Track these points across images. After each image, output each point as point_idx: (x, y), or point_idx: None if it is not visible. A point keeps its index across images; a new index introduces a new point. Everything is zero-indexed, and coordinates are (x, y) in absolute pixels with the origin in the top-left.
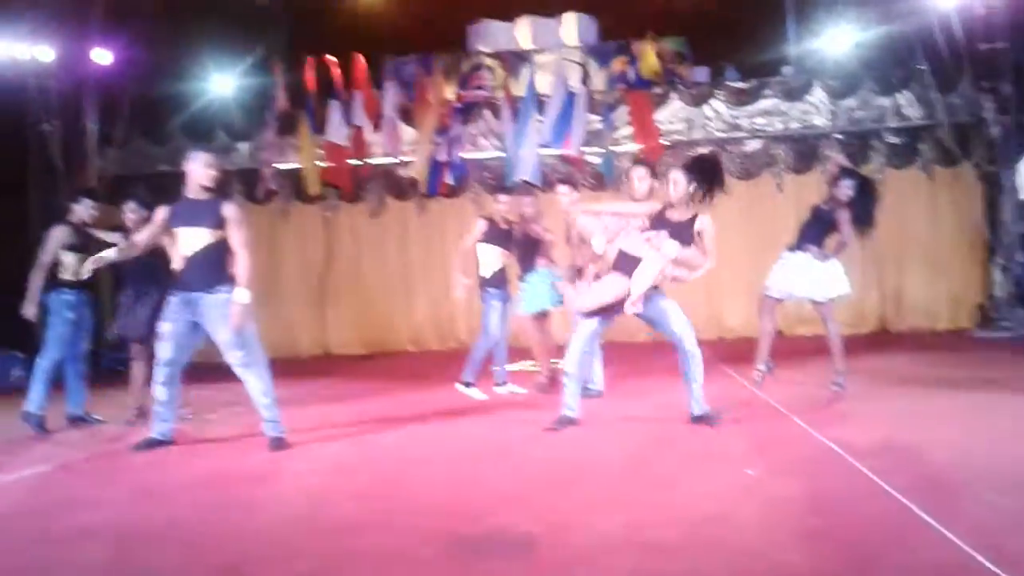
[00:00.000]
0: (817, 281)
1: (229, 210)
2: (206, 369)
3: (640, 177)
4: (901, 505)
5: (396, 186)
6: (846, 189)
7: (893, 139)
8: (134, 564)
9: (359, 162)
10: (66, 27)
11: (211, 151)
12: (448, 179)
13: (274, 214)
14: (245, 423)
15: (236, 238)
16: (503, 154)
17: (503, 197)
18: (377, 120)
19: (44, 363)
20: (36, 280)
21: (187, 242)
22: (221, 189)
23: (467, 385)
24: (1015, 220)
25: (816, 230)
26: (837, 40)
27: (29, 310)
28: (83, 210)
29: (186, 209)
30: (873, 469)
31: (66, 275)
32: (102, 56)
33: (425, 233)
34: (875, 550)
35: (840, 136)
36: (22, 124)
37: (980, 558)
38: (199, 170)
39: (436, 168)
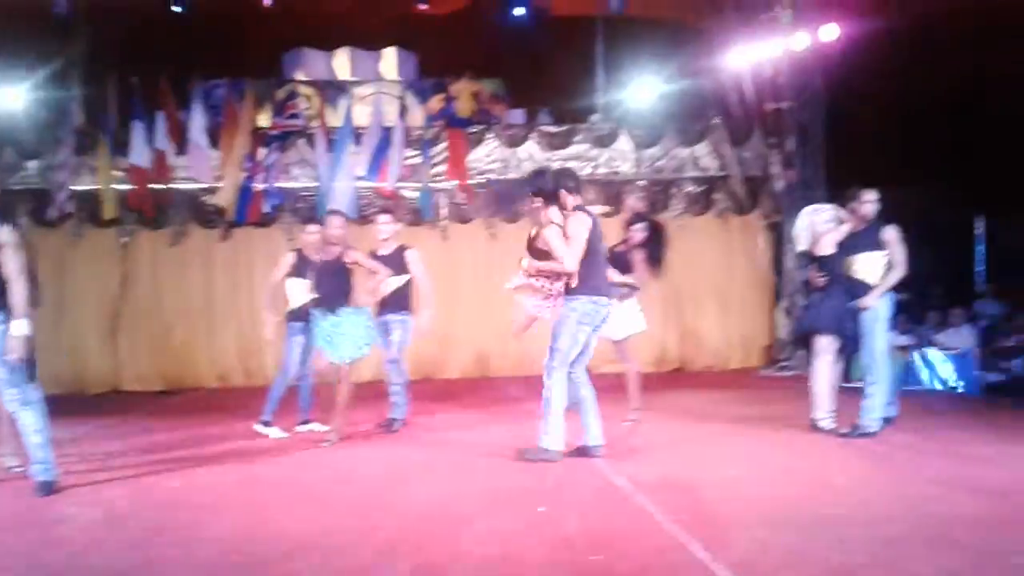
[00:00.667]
0: (614, 320)
1: (4, 234)
2: None
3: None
4: (678, 542)
5: (201, 212)
6: (638, 232)
7: (692, 188)
8: None
9: (161, 186)
10: None
11: None
12: (265, 207)
13: (66, 238)
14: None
15: (11, 265)
16: (316, 184)
17: (312, 228)
18: (182, 144)
19: None
20: None
21: None
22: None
23: (265, 424)
24: (797, 268)
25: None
26: (643, 92)
27: None
28: None
29: None
30: (657, 505)
31: None
32: None
33: (231, 263)
34: None
35: (643, 182)
36: None
37: None
38: None
39: (246, 195)
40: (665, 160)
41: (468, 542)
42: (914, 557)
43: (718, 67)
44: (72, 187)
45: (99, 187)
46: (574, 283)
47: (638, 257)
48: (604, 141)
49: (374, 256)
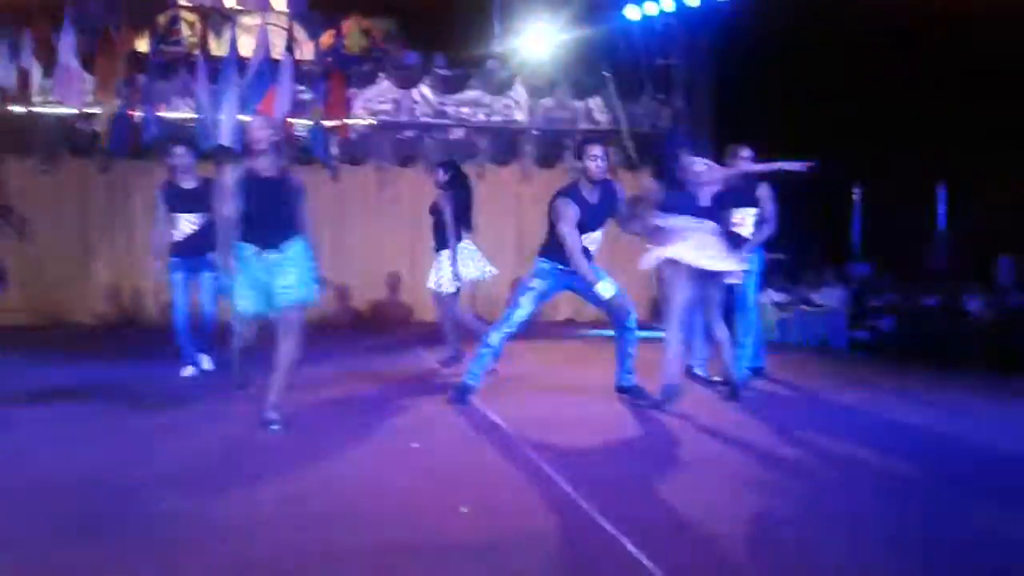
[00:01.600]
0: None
1: None
2: None
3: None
4: (545, 474)
5: (75, 139)
6: (441, 175)
7: (583, 140)
8: None
9: (23, 110)
10: None
11: None
12: (146, 136)
13: None
14: None
15: None
16: (197, 115)
17: (179, 150)
18: (50, 65)
19: None
20: None
21: None
22: None
23: (192, 364)
24: None
25: (438, 225)
26: (539, 41)
27: None
28: None
29: None
30: (529, 443)
31: None
32: None
33: (108, 194)
34: (518, 518)
35: (537, 132)
36: None
37: (600, 520)
38: None
39: (123, 123)
40: (559, 111)
41: (340, 473)
42: (762, 492)
43: (611, 20)
44: None
45: None
46: None
47: (444, 203)
48: (499, 88)
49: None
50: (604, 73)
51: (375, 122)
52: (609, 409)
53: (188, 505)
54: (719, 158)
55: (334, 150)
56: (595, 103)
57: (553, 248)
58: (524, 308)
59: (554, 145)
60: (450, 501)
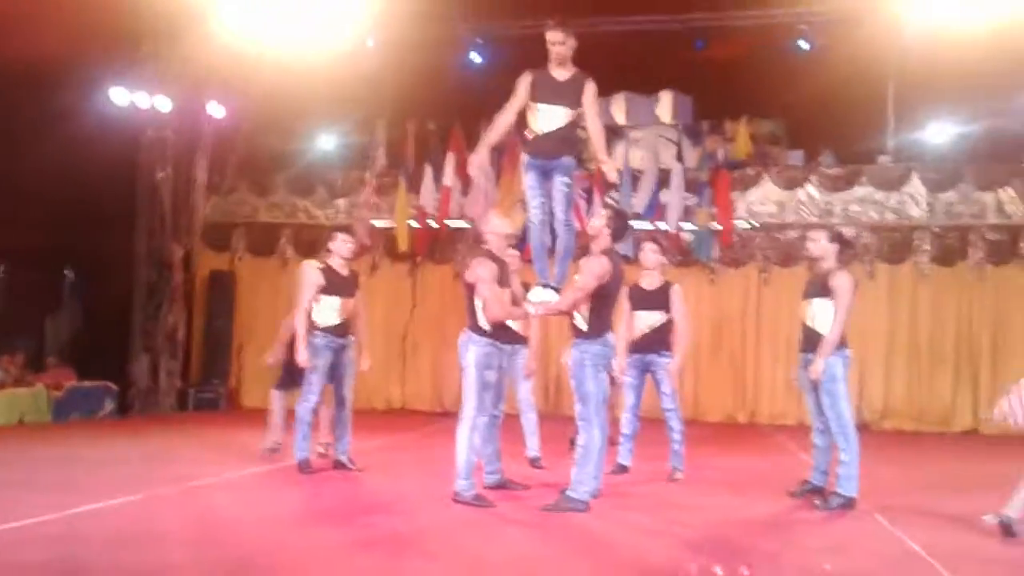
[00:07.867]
0: None
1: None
2: None
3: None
4: None
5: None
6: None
7: (994, 236)
8: None
9: (437, 224)
10: (184, 79)
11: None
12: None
13: (364, 269)
14: None
15: None
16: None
17: (344, 236)
18: (467, 185)
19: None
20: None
21: None
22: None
23: (303, 465)
24: None
25: None
26: (939, 132)
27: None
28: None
29: None
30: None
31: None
32: (216, 109)
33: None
34: None
35: (937, 229)
36: (136, 170)
37: None
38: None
39: (527, 232)
40: (963, 205)
41: None
42: None
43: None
44: (374, 223)
45: (395, 224)
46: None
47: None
48: (893, 184)
49: (636, 288)
50: (1021, 162)
51: (757, 224)
52: None
53: None
54: None
55: (716, 252)
56: (1007, 195)
57: None
58: None
59: (959, 242)
60: None
